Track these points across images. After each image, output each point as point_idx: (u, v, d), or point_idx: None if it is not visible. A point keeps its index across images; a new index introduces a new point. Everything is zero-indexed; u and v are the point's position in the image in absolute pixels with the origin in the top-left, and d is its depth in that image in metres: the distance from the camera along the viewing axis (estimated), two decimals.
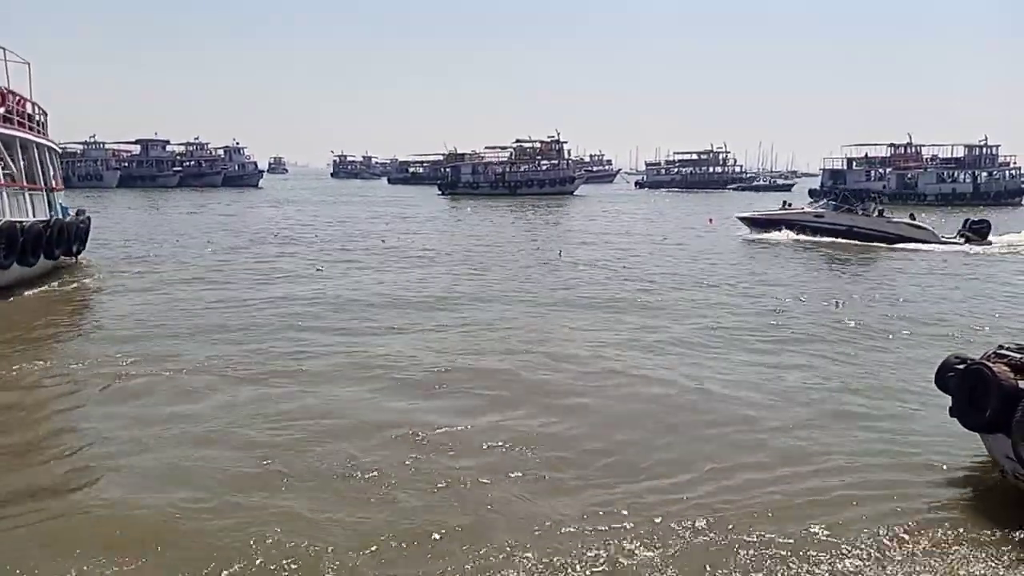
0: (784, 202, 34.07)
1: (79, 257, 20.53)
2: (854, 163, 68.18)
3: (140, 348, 11.24)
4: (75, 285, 17.13)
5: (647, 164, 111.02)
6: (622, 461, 7.38)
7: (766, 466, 7.31)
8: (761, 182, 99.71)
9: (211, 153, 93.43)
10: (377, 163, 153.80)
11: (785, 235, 29.11)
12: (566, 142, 79.35)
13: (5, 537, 5.79)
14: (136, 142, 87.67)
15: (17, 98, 18.27)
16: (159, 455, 7.38)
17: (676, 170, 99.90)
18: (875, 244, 27.33)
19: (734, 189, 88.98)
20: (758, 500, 6.56)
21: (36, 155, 19.12)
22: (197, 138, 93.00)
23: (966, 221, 29.25)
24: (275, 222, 37.94)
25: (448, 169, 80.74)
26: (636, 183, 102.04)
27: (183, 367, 10.31)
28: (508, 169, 76.98)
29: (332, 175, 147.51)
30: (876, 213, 29.04)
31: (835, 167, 68.92)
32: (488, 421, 8.42)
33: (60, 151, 24.50)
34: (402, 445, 7.64)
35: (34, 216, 17.39)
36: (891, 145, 67.31)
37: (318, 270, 20.25)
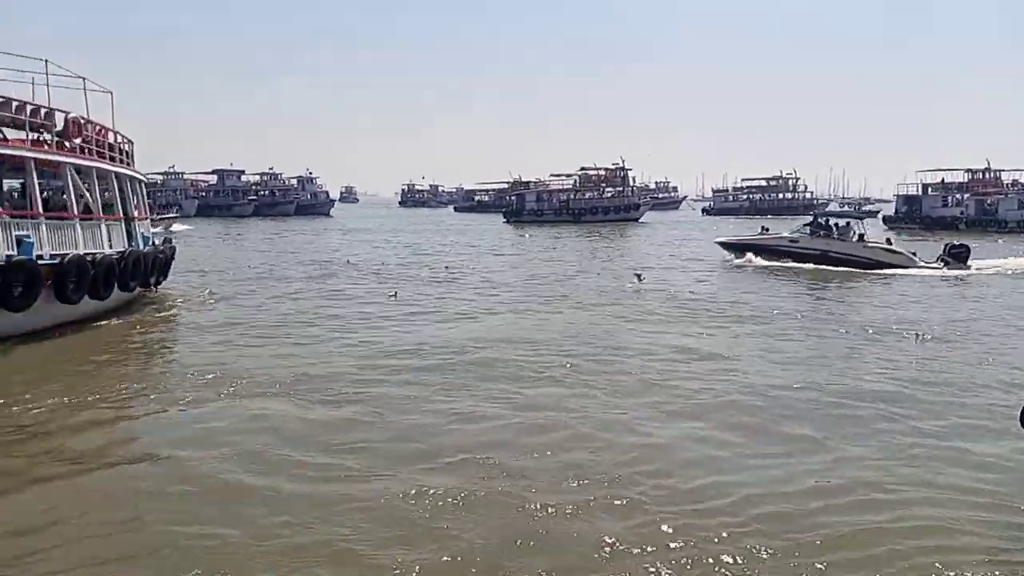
0: (762, 227, 33.65)
1: (158, 288, 20.16)
2: (929, 189, 65.63)
3: (209, 383, 11.00)
4: (147, 319, 16.80)
5: (714, 191, 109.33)
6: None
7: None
8: (836, 208, 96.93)
9: (284, 183, 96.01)
10: (443, 192, 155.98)
11: (756, 260, 28.96)
12: (631, 169, 78.82)
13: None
14: (213, 172, 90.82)
15: (97, 128, 18.43)
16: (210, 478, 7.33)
17: (745, 196, 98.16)
18: (849, 269, 26.77)
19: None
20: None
21: (116, 185, 19.06)
22: (271, 168, 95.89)
23: (946, 246, 28.39)
24: (345, 250, 38.35)
25: (513, 197, 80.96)
26: (703, 210, 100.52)
27: (250, 393, 10.25)
28: (572, 197, 76.78)
29: (400, 204, 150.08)
30: (856, 238, 28.36)
31: (910, 193, 66.47)
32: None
33: (146, 180, 24.22)
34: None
35: (111, 247, 17.02)
36: (968, 170, 64.59)
37: (391, 297, 20.38)
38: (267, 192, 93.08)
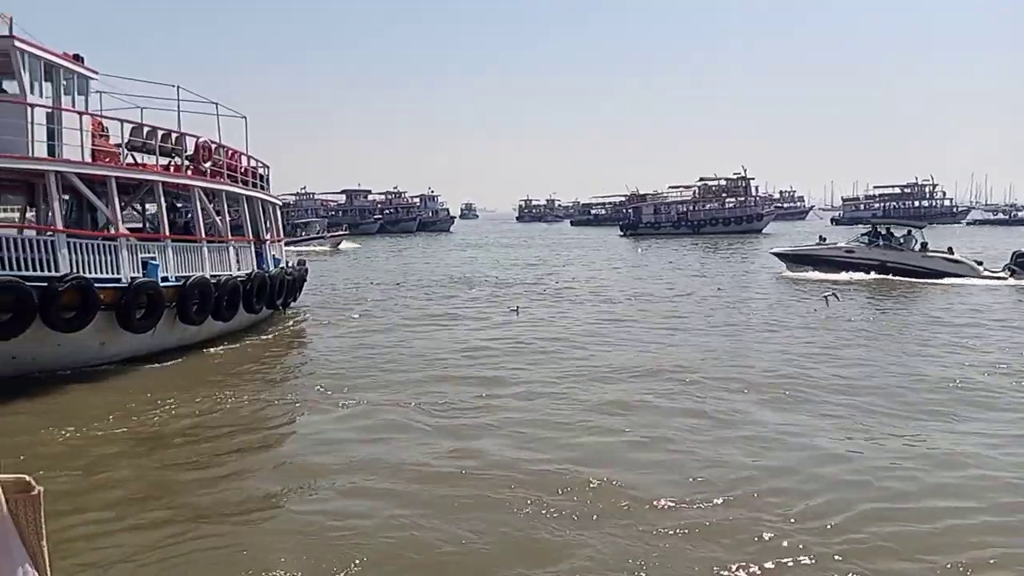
0: (820, 237, 32.04)
1: (287, 309, 19.97)
2: None
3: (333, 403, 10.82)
4: (272, 338, 16.88)
5: (844, 200, 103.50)
6: None
7: None
8: (980, 215, 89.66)
9: (408, 201, 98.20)
10: (560, 206, 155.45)
11: (813, 274, 27.49)
12: (753, 179, 75.61)
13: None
14: (342, 192, 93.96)
15: (229, 151, 18.57)
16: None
17: (877, 205, 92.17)
18: (909, 280, 25.58)
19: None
20: None
21: (246, 208, 19.15)
22: (395, 187, 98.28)
23: (1014, 254, 26.42)
24: (464, 266, 38.43)
25: (630, 210, 79.43)
26: (832, 219, 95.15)
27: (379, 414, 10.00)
28: (691, 208, 74.44)
29: (517, 219, 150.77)
30: (918, 247, 27.04)
31: None
32: None
33: (280, 203, 24.00)
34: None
35: (238, 269, 16.93)
36: None
37: (513, 311, 20.07)
38: (392, 210, 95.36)
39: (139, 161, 16.26)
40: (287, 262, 21.61)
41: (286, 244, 52.12)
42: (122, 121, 14.45)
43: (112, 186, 13.40)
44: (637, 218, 75.68)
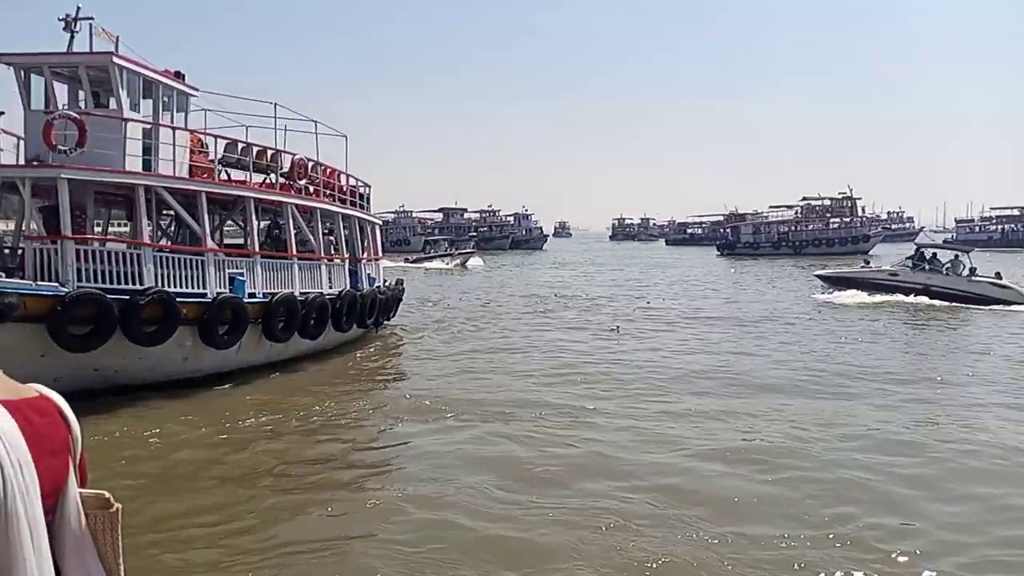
0: (864, 260, 32.36)
1: (379, 328, 19.53)
2: None
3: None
4: (361, 356, 16.62)
5: (957, 221, 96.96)
6: None
7: None
8: None
9: (502, 219, 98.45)
10: (655, 225, 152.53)
11: (856, 295, 26.79)
12: (859, 198, 71.78)
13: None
14: (439, 210, 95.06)
15: (326, 169, 18.40)
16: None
17: (993, 227, 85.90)
18: (955, 305, 24.62)
19: None
20: None
21: (341, 226, 18.81)
22: (490, 205, 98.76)
23: None
24: (555, 284, 37.88)
25: (727, 229, 76.81)
26: (944, 241, 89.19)
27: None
28: (793, 228, 71.28)
29: (610, 238, 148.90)
30: (967, 272, 26.09)
31: None
32: None
33: (379, 223, 23.48)
34: None
35: (330, 287, 16.58)
36: None
37: (614, 330, 19.88)
38: (486, 228, 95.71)
39: (236, 178, 16.28)
40: (384, 281, 21.24)
41: (414, 261, 53.65)
42: (216, 137, 14.37)
43: (202, 201, 13.24)
44: (735, 238, 73.11)
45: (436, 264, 51.90)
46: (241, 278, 13.51)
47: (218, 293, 12.79)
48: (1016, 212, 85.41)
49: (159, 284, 11.72)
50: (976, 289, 25.51)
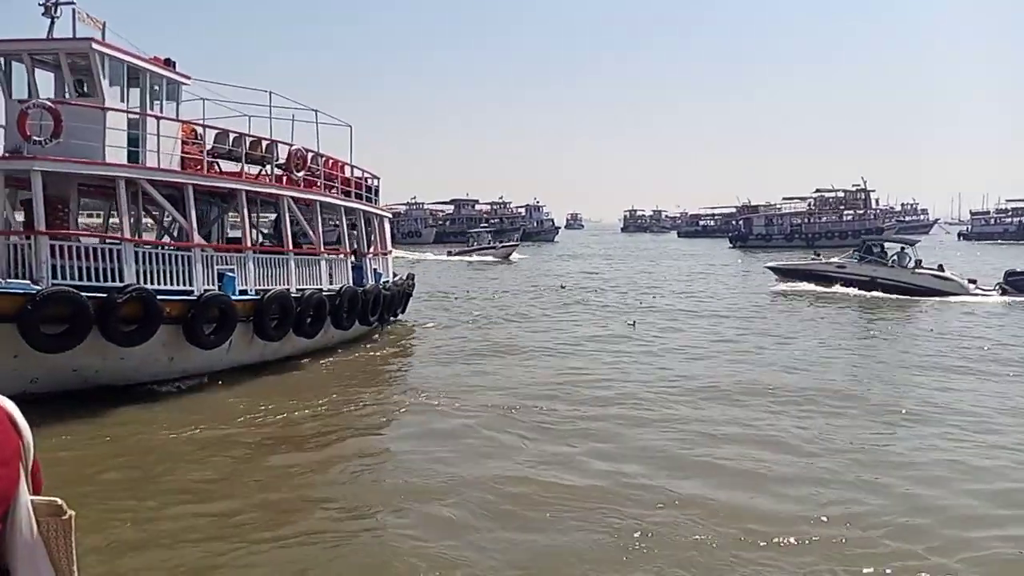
0: (815, 253, 33.62)
1: (386, 325, 18.68)
2: None
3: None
4: (366, 353, 15.99)
5: (972, 213, 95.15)
6: None
7: None
8: None
9: (513, 211, 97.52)
10: (667, 217, 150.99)
11: (803, 285, 28.03)
12: (873, 190, 70.41)
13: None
14: (451, 202, 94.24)
15: (328, 160, 17.57)
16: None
17: (1010, 219, 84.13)
18: (898, 296, 25.65)
19: None
20: None
21: (344, 219, 17.93)
22: (501, 197, 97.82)
23: (1005, 272, 26.71)
24: (567, 276, 37.45)
25: (740, 221, 75.72)
26: (959, 234, 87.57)
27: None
28: (806, 220, 70.12)
29: (622, 230, 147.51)
30: (912, 264, 27.00)
31: None
32: None
33: (388, 216, 22.26)
34: None
35: (331, 283, 15.72)
36: None
37: (630, 324, 19.67)
38: (497, 219, 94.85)
39: (230, 169, 15.57)
40: (394, 275, 20.36)
41: (456, 254, 53.29)
42: (205, 127, 13.67)
43: (189, 194, 12.56)
44: (747, 230, 72.07)
45: (476, 257, 51.56)
46: (231, 274, 12.83)
47: (205, 290, 12.12)
48: None
49: (141, 281, 11.07)
50: (919, 281, 26.41)
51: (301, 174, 16.17)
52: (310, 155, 16.70)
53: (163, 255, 11.94)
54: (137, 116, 12.50)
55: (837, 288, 27.07)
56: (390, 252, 21.35)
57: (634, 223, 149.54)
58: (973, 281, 26.79)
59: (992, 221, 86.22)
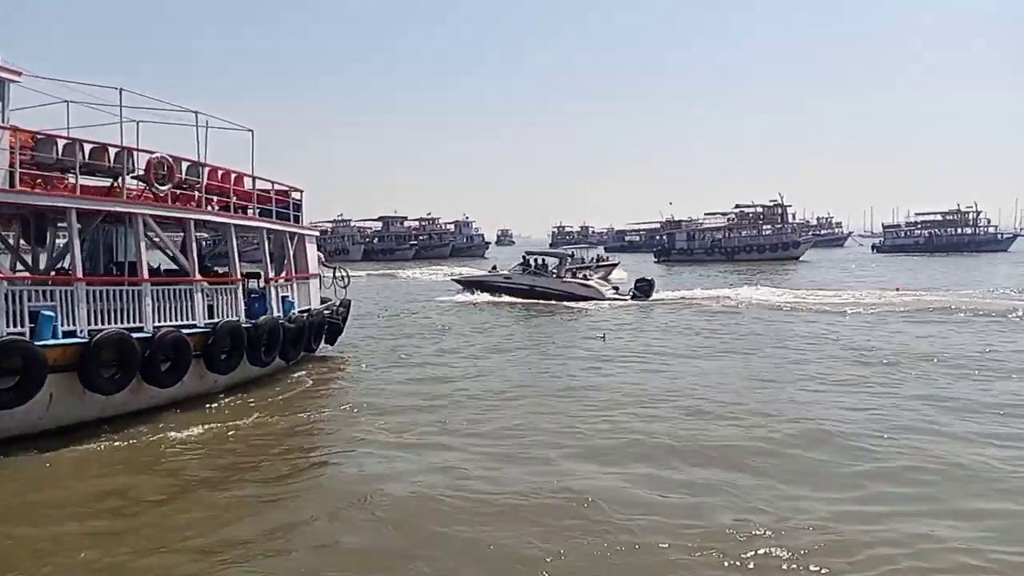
0: (493, 266, 38.23)
1: (292, 364, 15.75)
2: None
3: None
4: (233, 402, 13.43)
5: (884, 226, 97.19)
6: None
7: None
8: None
9: (442, 227, 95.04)
10: (594, 232, 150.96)
11: (482, 296, 30.73)
12: (790, 205, 70.96)
13: None
14: (379, 219, 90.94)
15: (216, 171, 14.69)
16: None
17: (919, 232, 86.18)
18: (553, 302, 28.92)
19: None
20: None
21: (234, 240, 14.88)
22: (429, 213, 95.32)
23: (636, 280, 31.65)
24: None
25: (663, 236, 75.47)
26: (873, 247, 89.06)
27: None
28: (726, 235, 70.15)
29: (551, 245, 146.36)
30: (568, 275, 31.61)
31: None
32: None
33: (313, 234, 19.11)
34: None
35: (210, 317, 13.05)
36: None
37: (600, 337, 19.89)
38: (426, 236, 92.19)
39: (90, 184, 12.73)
40: (325, 302, 17.89)
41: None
42: (17, 131, 10.80)
43: None
44: (670, 244, 71.76)
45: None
46: (48, 313, 10.04)
47: (8, 334, 9.31)
48: (939, 218, 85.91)
49: None
50: (567, 288, 30.20)
51: (167, 187, 13.37)
52: (185, 164, 13.94)
53: None
54: None
55: (505, 297, 30.45)
56: (315, 275, 18.31)
57: (562, 239, 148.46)
58: (616, 288, 32.26)
59: (903, 234, 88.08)
